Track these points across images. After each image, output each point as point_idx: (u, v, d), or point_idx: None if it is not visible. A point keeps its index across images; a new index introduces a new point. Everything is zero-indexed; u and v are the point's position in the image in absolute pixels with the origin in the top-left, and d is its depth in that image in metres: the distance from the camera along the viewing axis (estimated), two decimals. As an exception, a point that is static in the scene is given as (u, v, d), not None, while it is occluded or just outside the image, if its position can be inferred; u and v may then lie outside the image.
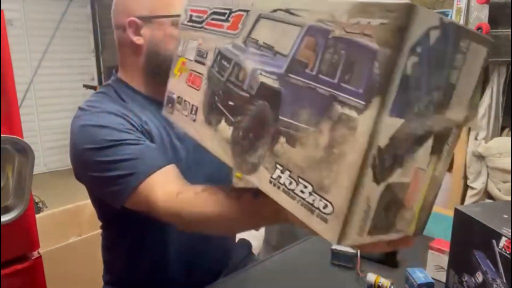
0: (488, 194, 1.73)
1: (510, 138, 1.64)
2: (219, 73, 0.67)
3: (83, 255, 1.74)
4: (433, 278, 0.91)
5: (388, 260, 1.05)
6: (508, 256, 0.72)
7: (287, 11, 0.54)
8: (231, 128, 0.61)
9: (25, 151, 1.05)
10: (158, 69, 0.90)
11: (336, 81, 0.44)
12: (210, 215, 0.71)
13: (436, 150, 0.46)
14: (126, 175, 0.78)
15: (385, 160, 0.41)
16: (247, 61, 0.61)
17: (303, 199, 0.45)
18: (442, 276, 0.94)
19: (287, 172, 0.48)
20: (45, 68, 4.35)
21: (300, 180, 0.46)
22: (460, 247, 0.85)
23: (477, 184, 1.71)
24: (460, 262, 0.85)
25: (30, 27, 4.25)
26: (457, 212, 0.86)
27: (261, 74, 0.57)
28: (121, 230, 1.00)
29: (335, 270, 1.04)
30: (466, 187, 1.78)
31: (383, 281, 0.93)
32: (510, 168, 1.59)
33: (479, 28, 1.49)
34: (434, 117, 0.43)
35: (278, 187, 0.49)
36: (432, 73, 0.41)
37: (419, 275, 0.90)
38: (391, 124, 0.40)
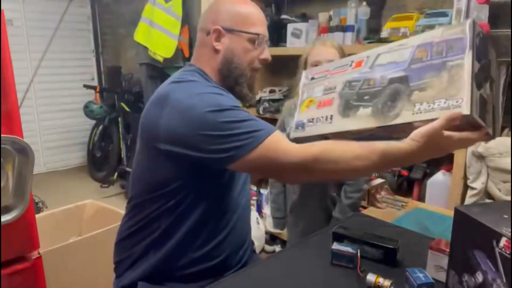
0: (488, 194, 1.73)
1: (510, 138, 1.64)
2: (350, 89, 1.02)
3: (83, 255, 1.74)
4: (433, 278, 0.91)
5: (388, 260, 1.05)
6: (508, 256, 0.72)
7: (400, 45, 0.95)
8: (369, 108, 0.96)
9: (25, 151, 1.05)
10: (229, 73, 1.09)
11: (444, 54, 0.86)
12: (350, 155, 0.91)
13: (492, 87, 0.92)
14: (253, 131, 0.92)
15: (478, 78, 0.83)
16: (374, 74, 0.98)
17: (441, 107, 0.83)
18: (442, 276, 0.94)
19: (424, 103, 0.86)
20: (45, 68, 4.34)
21: (435, 101, 0.84)
22: (460, 247, 0.85)
23: (477, 184, 1.71)
24: (460, 262, 0.85)
25: (30, 27, 4.24)
26: (457, 212, 0.86)
27: (388, 75, 0.94)
28: (186, 210, 1.04)
29: (335, 270, 1.04)
30: (466, 187, 1.78)
31: (383, 281, 0.93)
32: (510, 168, 1.59)
33: (479, 28, 1.50)
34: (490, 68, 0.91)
35: (420, 113, 0.86)
36: (483, 48, 0.87)
37: (419, 275, 0.90)
38: (476, 64, 0.83)
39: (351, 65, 1.04)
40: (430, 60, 0.89)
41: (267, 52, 1.13)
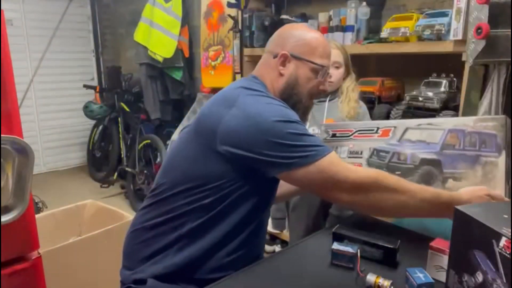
0: (488, 194, 1.72)
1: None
2: (379, 159, 1.12)
3: (83, 255, 1.74)
4: (433, 278, 0.91)
5: (388, 260, 1.05)
6: (508, 256, 0.72)
7: (429, 124, 1.04)
8: None
9: (25, 151, 1.05)
10: (288, 97, 1.12)
11: (477, 147, 0.94)
12: (399, 189, 0.95)
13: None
14: (316, 146, 0.97)
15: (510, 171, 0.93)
16: (404, 149, 1.07)
17: None
18: (442, 276, 0.94)
19: None
20: (45, 68, 4.34)
21: None
22: (460, 247, 0.85)
23: (477, 184, 1.71)
24: (460, 262, 0.85)
25: (30, 27, 4.24)
26: (457, 212, 0.86)
27: (420, 154, 1.04)
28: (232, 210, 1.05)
29: (335, 270, 1.04)
30: (466, 187, 1.77)
31: (383, 281, 0.93)
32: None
33: (479, 28, 1.49)
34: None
35: None
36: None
37: (419, 275, 0.90)
38: (509, 161, 0.92)
39: (377, 132, 1.11)
40: (463, 150, 0.98)
41: (327, 84, 1.19)
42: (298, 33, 1.13)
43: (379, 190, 0.96)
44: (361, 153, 1.14)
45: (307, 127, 1.77)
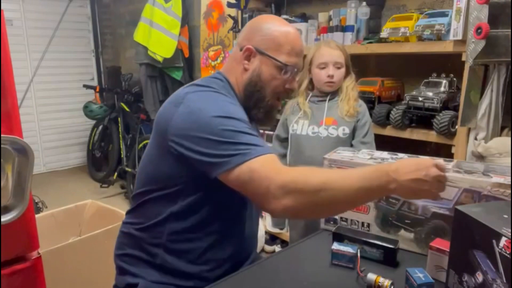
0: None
1: (510, 138, 1.64)
2: (388, 205, 1.12)
3: (83, 255, 1.74)
4: (433, 278, 0.91)
5: (388, 260, 1.05)
6: (508, 256, 0.72)
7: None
8: (412, 234, 1.10)
9: (25, 151, 1.05)
10: (251, 94, 1.08)
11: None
12: (327, 182, 0.84)
13: None
14: (251, 144, 0.90)
15: None
16: (416, 201, 1.07)
17: None
18: (442, 276, 0.94)
19: None
20: (45, 68, 4.34)
21: None
22: (460, 247, 0.85)
23: (477, 184, 1.71)
24: (460, 262, 0.85)
25: (30, 27, 4.24)
26: (457, 212, 0.86)
27: (432, 207, 1.05)
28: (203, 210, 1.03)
29: (335, 270, 1.04)
30: (466, 187, 1.77)
31: (383, 281, 0.93)
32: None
33: (479, 28, 1.49)
34: None
35: None
36: None
37: (419, 275, 0.90)
38: None
39: None
40: None
41: (295, 83, 1.12)
42: (267, 27, 1.07)
43: (320, 191, 0.84)
44: None
45: (292, 127, 1.79)
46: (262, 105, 1.09)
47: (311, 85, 1.84)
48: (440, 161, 0.90)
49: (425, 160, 0.85)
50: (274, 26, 1.07)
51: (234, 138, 0.90)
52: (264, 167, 0.87)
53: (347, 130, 1.73)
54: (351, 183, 0.84)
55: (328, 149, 1.33)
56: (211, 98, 0.99)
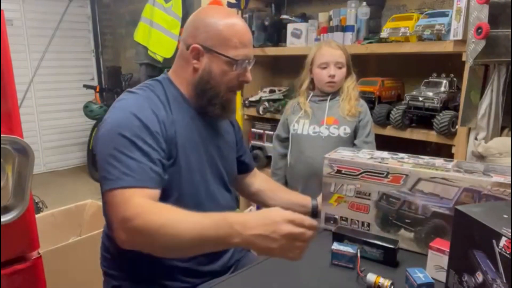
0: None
1: (510, 138, 1.64)
2: (389, 205, 1.11)
3: (83, 255, 1.74)
4: (433, 278, 0.91)
5: (388, 260, 1.05)
6: (508, 256, 0.72)
7: (444, 178, 1.02)
8: (412, 233, 1.10)
9: (25, 151, 1.05)
10: (203, 92, 1.05)
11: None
12: (164, 226, 0.81)
13: None
14: (123, 173, 0.88)
15: None
16: (416, 200, 1.07)
17: None
18: (442, 276, 0.94)
19: None
20: (45, 68, 4.34)
21: None
22: (460, 247, 0.85)
23: (477, 184, 1.71)
24: (460, 262, 0.85)
25: (30, 27, 4.24)
26: (457, 212, 0.86)
27: (432, 207, 1.05)
28: None
29: (335, 270, 1.04)
30: (466, 187, 1.77)
31: (383, 281, 0.93)
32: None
33: (479, 28, 1.49)
34: None
35: None
36: None
37: (419, 275, 0.90)
38: None
39: (386, 177, 1.10)
40: None
41: (248, 75, 1.09)
42: (211, 22, 1.02)
43: (161, 236, 0.82)
44: (369, 195, 1.14)
45: (293, 127, 1.78)
46: (217, 101, 1.07)
47: (312, 85, 1.84)
48: (298, 216, 0.79)
49: (276, 214, 0.78)
50: (218, 19, 1.02)
51: (112, 160, 0.89)
52: (122, 198, 0.86)
53: (348, 130, 1.73)
54: (187, 229, 0.80)
55: (329, 149, 1.33)
56: (121, 108, 0.98)
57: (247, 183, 1.39)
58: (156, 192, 0.92)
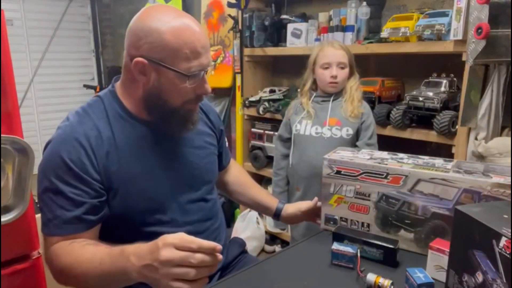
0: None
1: (510, 138, 1.64)
2: (388, 205, 1.11)
3: (83, 255, 1.73)
4: (433, 278, 0.91)
5: (388, 260, 1.05)
6: (508, 256, 0.72)
7: (443, 179, 1.02)
8: (412, 234, 1.10)
9: (25, 151, 1.05)
10: (156, 107, 0.94)
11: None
12: (72, 266, 0.84)
13: None
14: (47, 220, 0.92)
15: None
16: (415, 201, 1.07)
17: None
18: (442, 276, 0.94)
19: None
20: (45, 68, 4.34)
21: None
22: (460, 247, 0.85)
23: (477, 184, 1.71)
24: (460, 262, 0.85)
25: (30, 27, 4.24)
26: (457, 212, 0.85)
27: (432, 208, 1.04)
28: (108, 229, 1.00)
29: (335, 270, 1.04)
30: (466, 187, 1.77)
31: (383, 281, 0.93)
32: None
33: (479, 28, 1.49)
34: None
35: None
36: None
37: (419, 275, 0.90)
38: None
39: (386, 178, 1.10)
40: None
41: (206, 86, 0.94)
42: (154, 29, 0.86)
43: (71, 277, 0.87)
44: (369, 195, 1.14)
45: (295, 127, 1.78)
46: (176, 116, 0.95)
47: (315, 85, 1.84)
48: (186, 239, 0.69)
49: (162, 239, 0.69)
50: (162, 24, 0.86)
51: (45, 204, 0.93)
52: (46, 243, 0.93)
53: (351, 131, 1.73)
54: (89, 268, 0.81)
55: (331, 149, 1.33)
56: (52, 146, 0.93)
57: (220, 175, 1.31)
58: (81, 235, 0.92)
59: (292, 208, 1.33)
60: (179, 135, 1.03)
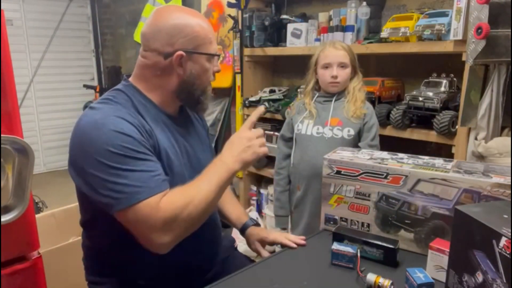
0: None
1: (510, 138, 1.64)
2: (388, 205, 1.12)
3: (83, 255, 1.73)
4: (433, 278, 0.91)
5: (388, 260, 1.05)
6: (508, 256, 0.72)
7: (443, 179, 1.02)
8: (412, 234, 1.10)
9: (25, 151, 1.05)
10: (189, 95, 1.08)
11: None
12: (193, 200, 0.93)
13: None
14: (134, 186, 0.89)
15: None
16: (415, 201, 1.07)
17: None
18: (442, 276, 0.94)
19: None
20: (45, 68, 4.35)
21: None
22: (460, 247, 0.85)
23: (477, 184, 1.71)
24: (460, 262, 0.85)
25: (30, 27, 4.24)
26: (457, 212, 0.86)
27: (432, 208, 1.05)
28: (107, 227, 1.00)
29: (335, 270, 1.04)
30: (466, 187, 1.77)
31: (383, 281, 0.93)
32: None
33: (479, 28, 1.49)
34: None
35: None
36: None
37: (419, 275, 0.90)
38: None
39: (386, 178, 1.11)
40: None
41: (218, 64, 1.15)
42: (183, 25, 1.02)
43: (185, 213, 0.91)
44: (369, 195, 1.14)
45: (297, 127, 1.79)
46: (205, 96, 1.12)
47: (318, 85, 1.84)
48: (245, 124, 1.07)
49: (237, 135, 1.03)
50: (188, 20, 1.03)
51: (121, 178, 0.89)
52: (150, 208, 0.89)
53: (352, 132, 1.72)
54: (209, 186, 0.96)
55: (332, 150, 1.33)
56: (102, 126, 0.92)
57: None
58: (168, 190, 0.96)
59: (255, 235, 1.30)
60: (203, 113, 1.20)
